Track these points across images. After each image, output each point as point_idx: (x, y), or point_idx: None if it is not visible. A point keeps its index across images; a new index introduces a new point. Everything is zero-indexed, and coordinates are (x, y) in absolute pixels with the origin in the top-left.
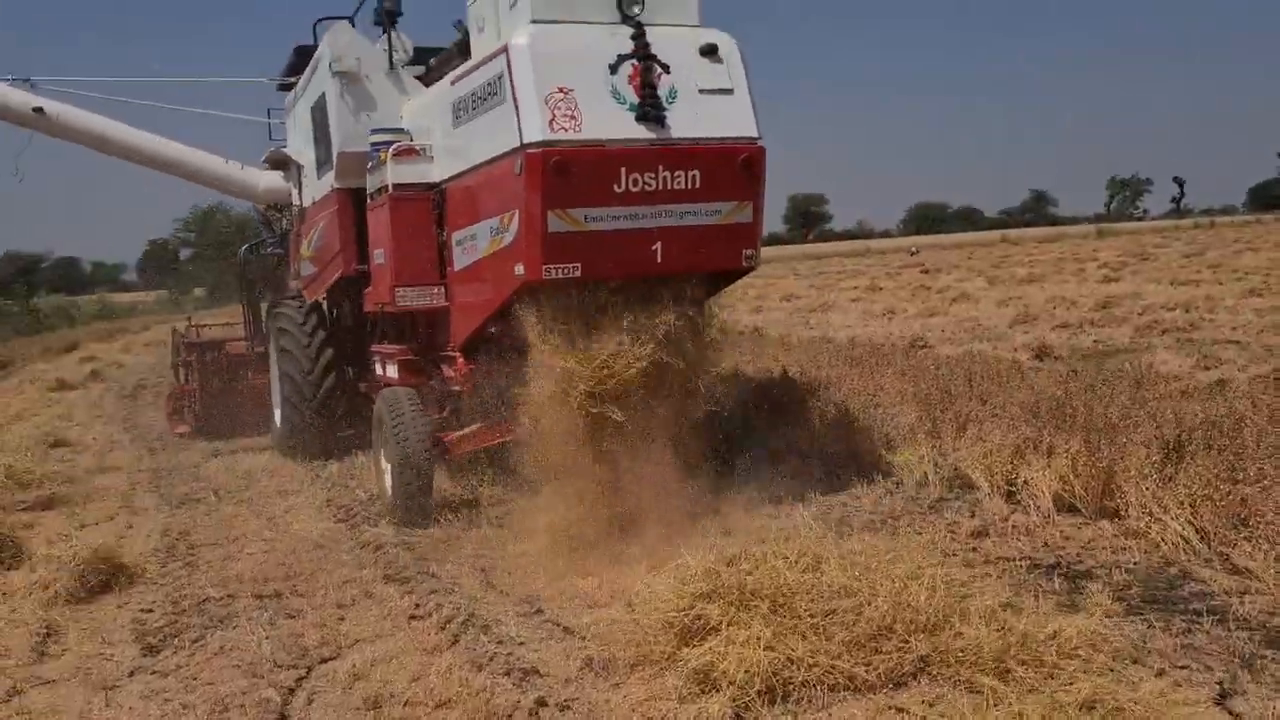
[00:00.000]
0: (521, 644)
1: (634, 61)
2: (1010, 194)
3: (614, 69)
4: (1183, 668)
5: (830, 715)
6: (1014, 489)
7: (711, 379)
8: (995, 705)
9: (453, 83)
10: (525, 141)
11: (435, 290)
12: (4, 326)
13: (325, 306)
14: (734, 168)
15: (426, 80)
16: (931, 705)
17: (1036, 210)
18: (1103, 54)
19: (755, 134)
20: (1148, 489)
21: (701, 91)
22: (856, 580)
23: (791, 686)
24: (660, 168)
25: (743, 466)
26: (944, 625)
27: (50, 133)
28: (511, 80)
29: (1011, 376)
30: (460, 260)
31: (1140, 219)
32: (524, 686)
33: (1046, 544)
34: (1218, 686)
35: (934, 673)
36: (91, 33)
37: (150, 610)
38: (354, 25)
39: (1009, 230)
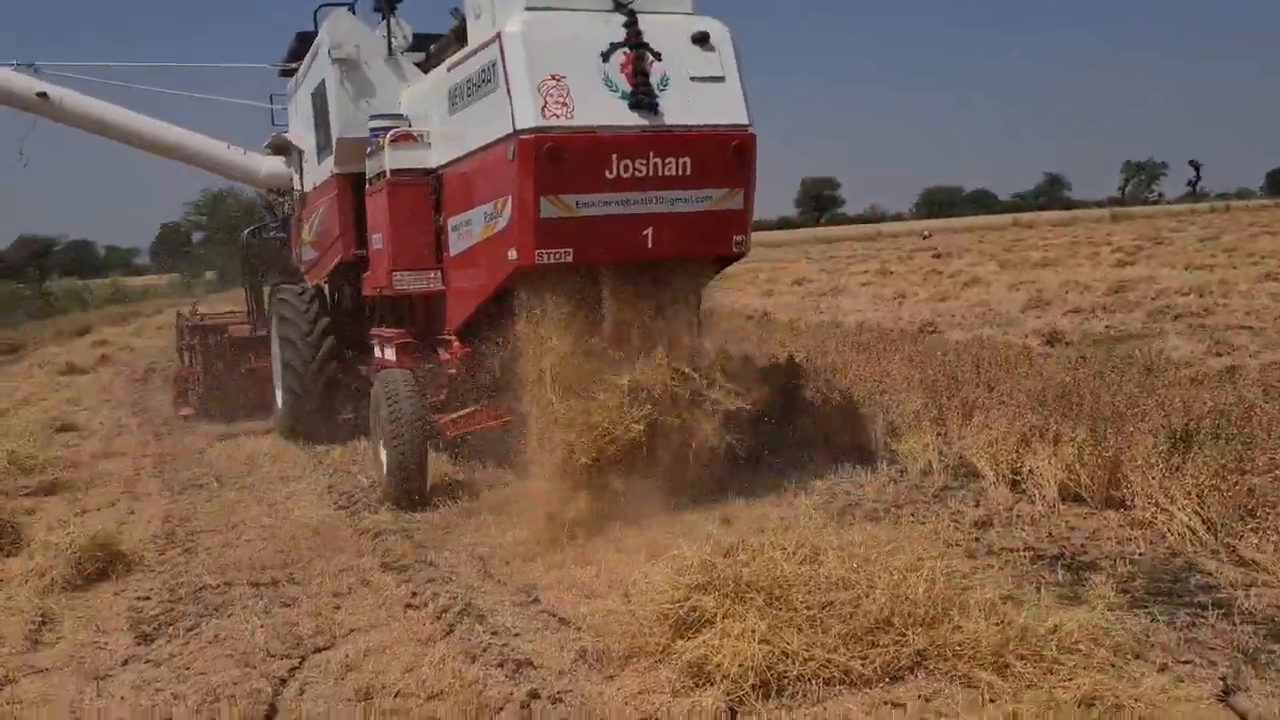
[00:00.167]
0: (516, 635)
1: (626, 49)
2: (1024, 178)
3: (606, 56)
4: (1186, 662)
5: (825, 710)
6: (1019, 478)
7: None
8: (991, 701)
9: (449, 69)
10: (518, 128)
11: (432, 275)
12: (16, 310)
13: (327, 290)
14: (725, 155)
15: (425, 67)
16: (928, 700)
17: (1051, 194)
18: (1099, 50)
19: (746, 121)
20: (1154, 479)
21: (693, 79)
22: (855, 572)
23: (786, 680)
24: (652, 154)
25: (745, 454)
26: (942, 618)
27: (54, 118)
28: (505, 67)
29: (1020, 363)
30: (456, 245)
31: (1155, 203)
32: (517, 678)
33: (1051, 534)
34: (1221, 682)
35: (931, 667)
36: (91, 33)
37: (147, 598)
38: (354, 12)
39: (1022, 214)
